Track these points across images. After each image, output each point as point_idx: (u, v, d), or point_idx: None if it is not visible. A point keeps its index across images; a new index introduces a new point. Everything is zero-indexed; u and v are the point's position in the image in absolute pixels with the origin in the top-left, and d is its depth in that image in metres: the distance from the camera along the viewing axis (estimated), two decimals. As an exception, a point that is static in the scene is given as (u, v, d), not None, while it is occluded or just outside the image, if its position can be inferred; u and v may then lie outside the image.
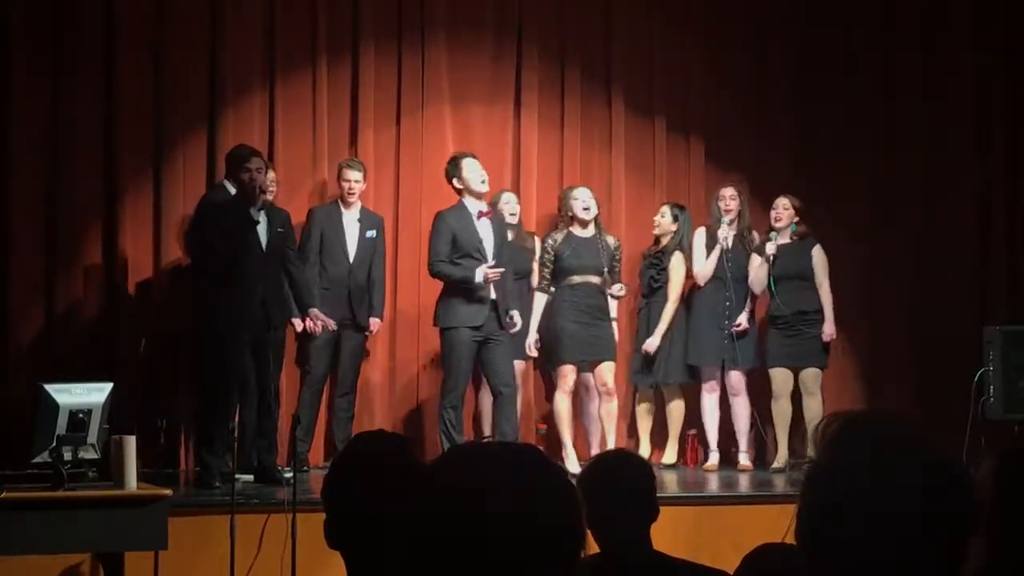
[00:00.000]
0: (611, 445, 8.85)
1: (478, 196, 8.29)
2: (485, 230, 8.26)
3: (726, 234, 9.14)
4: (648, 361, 9.20)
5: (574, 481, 2.06)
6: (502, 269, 8.13)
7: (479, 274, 8.07)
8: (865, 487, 1.68)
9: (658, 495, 3.79)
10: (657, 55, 10.02)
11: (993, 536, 2.11)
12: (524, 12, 9.77)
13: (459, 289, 8.16)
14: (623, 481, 3.69)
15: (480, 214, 8.27)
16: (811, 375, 9.07)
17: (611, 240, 8.84)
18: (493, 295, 8.19)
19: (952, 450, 1.76)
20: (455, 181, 8.30)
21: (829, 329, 9.07)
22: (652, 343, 9.13)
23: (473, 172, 8.26)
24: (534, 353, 8.87)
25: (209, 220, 7.99)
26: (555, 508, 1.71)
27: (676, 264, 9.19)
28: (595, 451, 8.61)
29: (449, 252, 8.16)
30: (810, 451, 2.04)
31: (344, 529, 2.66)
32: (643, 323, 9.27)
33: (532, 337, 8.74)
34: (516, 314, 8.47)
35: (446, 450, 1.91)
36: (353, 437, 3.04)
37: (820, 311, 9.07)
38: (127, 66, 8.98)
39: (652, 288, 9.24)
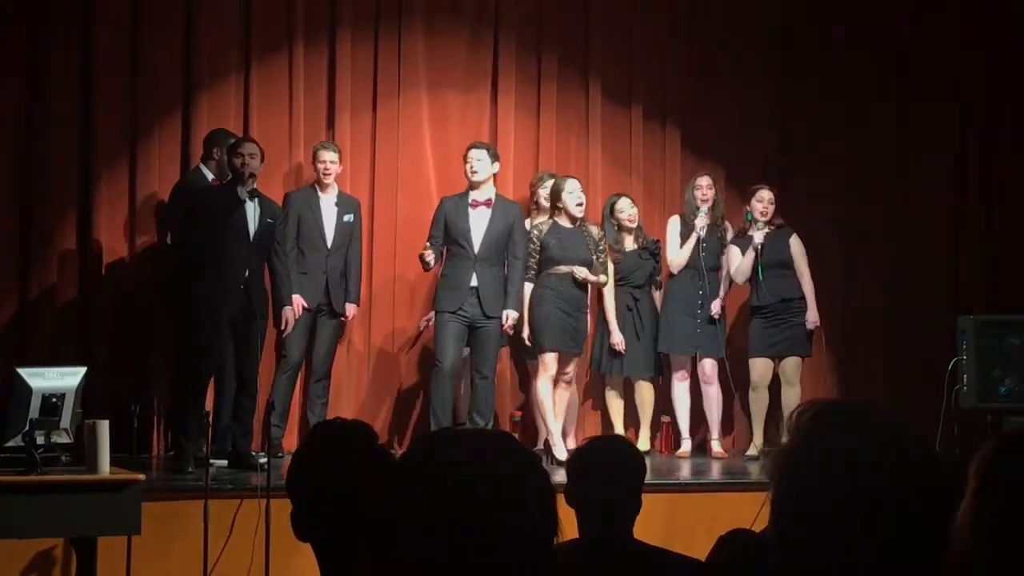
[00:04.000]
0: (572, 432, 9.03)
1: (474, 186, 8.46)
2: (478, 219, 8.37)
3: (703, 224, 9.15)
4: (617, 353, 9.18)
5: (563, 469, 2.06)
6: (429, 252, 8.29)
7: (427, 255, 8.35)
8: (837, 474, 1.69)
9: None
10: (635, 43, 10.03)
11: (987, 522, 2.12)
12: (501, -1, 9.77)
13: (443, 275, 8.52)
14: (612, 468, 3.70)
15: (476, 203, 8.36)
16: (792, 364, 9.10)
17: (595, 230, 8.85)
18: (475, 282, 8.30)
19: (925, 438, 1.77)
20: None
21: (813, 316, 9.11)
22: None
23: (467, 162, 8.48)
24: (529, 343, 8.84)
25: (191, 201, 8.04)
26: (528, 495, 1.71)
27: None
28: (563, 436, 8.66)
29: (442, 237, 8.42)
30: (783, 438, 2.06)
31: (311, 520, 2.65)
32: (638, 315, 9.23)
33: (525, 329, 8.73)
34: (509, 314, 8.48)
35: (418, 437, 1.91)
36: (313, 427, 3.04)
37: (802, 298, 9.10)
38: (102, 50, 8.93)
39: (652, 280, 9.29)
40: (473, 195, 8.48)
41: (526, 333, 8.70)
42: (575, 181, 8.81)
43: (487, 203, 8.47)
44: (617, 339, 9.08)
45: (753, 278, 9.11)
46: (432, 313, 8.75)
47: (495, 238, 8.42)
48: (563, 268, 8.62)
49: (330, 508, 2.59)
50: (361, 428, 2.76)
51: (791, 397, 9.04)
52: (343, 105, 9.40)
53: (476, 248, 8.40)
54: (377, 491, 1.71)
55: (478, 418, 8.36)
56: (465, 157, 8.53)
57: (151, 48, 9.01)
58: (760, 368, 9.18)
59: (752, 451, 9.17)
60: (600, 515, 3.62)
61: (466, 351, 8.64)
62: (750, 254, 9.07)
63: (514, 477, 1.71)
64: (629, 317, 9.20)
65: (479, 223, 8.44)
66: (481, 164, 8.46)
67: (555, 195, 8.74)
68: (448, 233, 8.44)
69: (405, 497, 1.69)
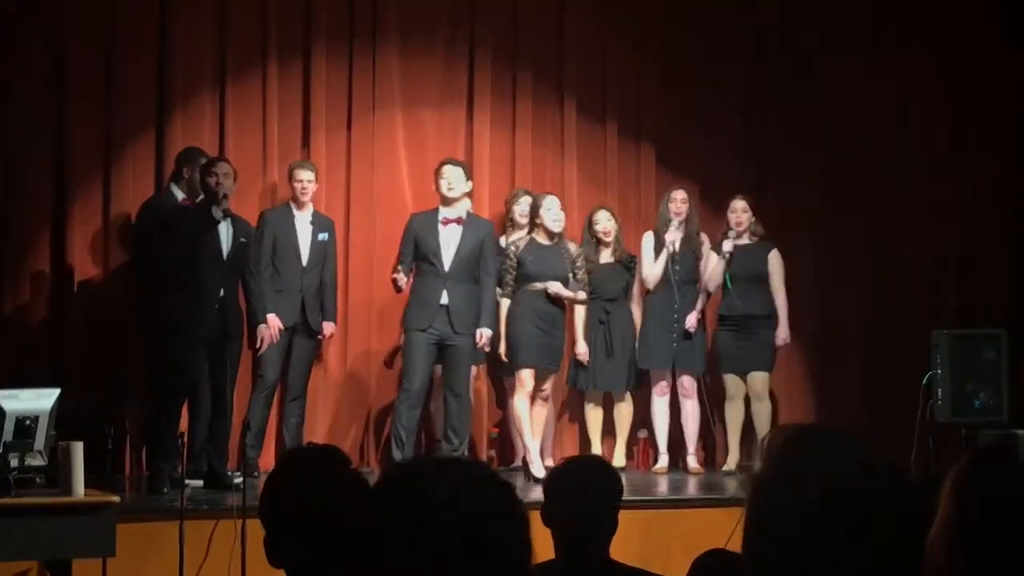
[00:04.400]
0: (548, 448, 9.02)
1: (447, 203, 8.44)
2: (449, 237, 8.37)
3: (673, 237, 9.17)
4: (615, 367, 9.17)
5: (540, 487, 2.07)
6: (400, 276, 8.29)
7: (398, 278, 8.35)
8: (808, 499, 1.70)
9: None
10: (609, 59, 10.05)
11: (962, 538, 2.12)
12: (476, 16, 9.77)
13: (414, 292, 8.46)
14: (588, 488, 3.70)
15: (447, 220, 8.36)
16: (759, 379, 9.12)
17: (573, 247, 8.86)
18: (446, 300, 8.29)
19: (894, 461, 1.78)
20: (435, 185, 8.56)
21: (783, 334, 9.12)
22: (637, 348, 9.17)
23: (443, 179, 8.47)
24: (506, 359, 8.83)
25: (161, 221, 8.04)
26: (501, 523, 1.71)
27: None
28: (538, 453, 8.66)
29: (412, 255, 8.42)
30: (757, 462, 2.06)
31: (284, 546, 2.64)
32: (611, 328, 9.22)
33: (503, 346, 8.73)
34: (483, 332, 8.46)
35: (393, 465, 1.91)
36: (285, 453, 3.04)
37: (770, 316, 9.12)
38: (76, 67, 8.91)
39: (626, 294, 9.28)
40: (445, 212, 8.47)
41: (503, 350, 8.71)
42: (553, 198, 8.84)
43: (459, 221, 8.46)
44: (581, 350, 9.09)
45: (723, 287, 9.14)
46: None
47: (466, 256, 8.42)
48: (539, 285, 8.64)
49: (303, 534, 2.58)
50: (333, 453, 2.75)
51: (761, 413, 9.06)
52: (318, 123, 9.40)
53: (446, 265, 8.39)
54: (350, 521, 1.71)
55: (453, 436, 8.33)
56: (439, 173, 8.51)
57: (125, 66, 8.99)
58: (733, 381, 9.21)
59: (728, 466, 9.17)
60: (576, 535, 3.62)
61: (437, 368, 8.62)
62: (720, 263, 9.10)
63: (486, 506, 1.71)
64: (600, 331, 9.20)
65: (450, 240, 8.42)
66: (458, 181, 8.47)
67: (533, 211, 8.78)
68: (418, 250, 8.42)
69: (377, 529, 1.69)
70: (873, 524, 1.70)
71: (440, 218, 8.46)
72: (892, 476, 1.75)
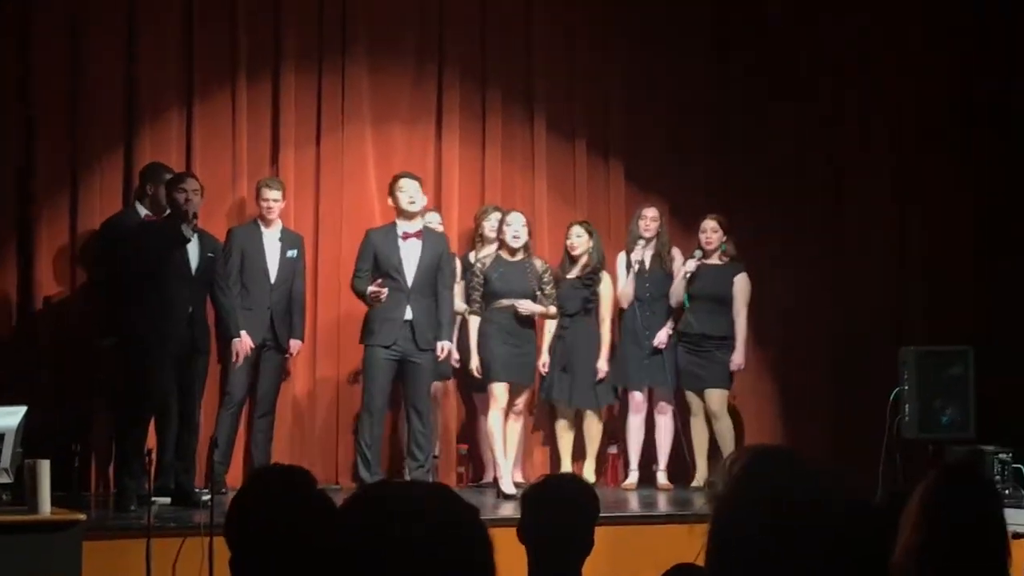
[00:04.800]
0: (518, 464, 9.01)
1: (407, 217, 8.36)
2: (409, 251, 8.34)
3: (640, 256, 9.21)
4: (576, 385, 9.17)
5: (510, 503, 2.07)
6: (385, 291, 8.22)
7: (370, 290, 8.26)
8: (770, 520, 1.71)
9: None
10: (578, 77, 10.07)
11: (931, 554, 2.13)
12: (445, 33, 9.78)
13: (376, 308, 8.35)
14: (566, 506, 3.70)
15: (406, 235, 8.34)
16: (716, 397, 9.15)
17: (539, 263, 8.86)
18: (409, 315, 8.26)
19: (859, 481, 1.79)
20: (390, 200, 8.50)
21: (738, 359, 9.16)
22: (603, 367, 9.14)
23: (403, 192, 8.40)
24: (479, 375, 8.83)
25: (125, 238, 8.00)
26: (465, 547, 1.71)
27: (607, 284, 9.23)
28: (510, 469, 8.67)
29: (370, 270, 8.34)
30: (719, 482, 2.06)
31: (249, 566, 2.63)
32: (567, 344, 9.21)
33: (475, 360, 8.72)
34: (444, 345, 8.46)
35: (358, 489, 1.91)
36: (252, 473, 3.03)
37: (727, 337, 9.15)
38: (43, 84, 8.87)
39: (586, 309, 9.24)
40: (404, 227, 8.44)
41: (474, 365, 8.71)
42: (517, 215, 8.86)
43: (417, 235, 8.45)
44: (543, 360, 9.10)
45: (682, 305, 9.18)
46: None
47: (426, 270, 8.40)
48: (505, 302, 8.65)
49: (269, 554, 2.57)
50: (300, 474, 2.74)
51: (722, 431, 9.10)
52: (287, 139, 9.38)
53: (409, 280, 8.37)
54: (316, 542, 1.72)
55: (418, 453, 8.29)
56: (397, 187, 8.44)
57: (93, 82, 8.95)
58: (693, 399, 9.25)
59: (696, 482, 9.19)
60: (551, 553, 3.62)
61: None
62: (682, 281, 9.13)
63: (448, 529, 1.71)
64: (558, 345, 9.21)
65: (410, 255, 8.40)
66: (417, 194, 8.45)
67: (500, 228, 8.81)
68: (378, 266, 8.37)
69: (340, 552, 1.69)
70: (833, 543, 1.71)
71: (400, 233, 8.42)
72: (851, 496, 1.76)
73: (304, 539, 1.67)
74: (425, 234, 8.50)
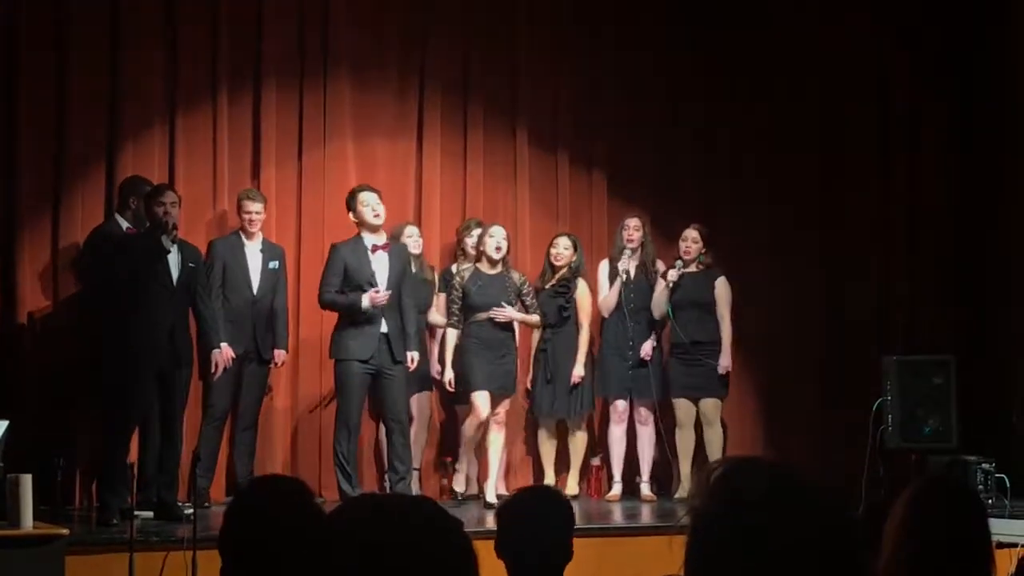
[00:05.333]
0: (500, 474, 8.97)
1: (372, 230, 8.34)
2: (380, 264, 8.34)
3: (626, 266, 9.23)
4: (557, 393, 9.19)
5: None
6: (388, 292, 8.22)
7: (365, 299, 8.23)
8: (746, 532, 1.71)
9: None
10: (560, 89, 10.09)
11: (918, 564, 2.13)
12: (427, 47, 9.79)
13: (350, 321, 8.35)
14: (540, 518, 3.70)
15: (375, 248, 8.34)
16: (710, 405, 9.19)
17: (516, 276, 8.91)
18: (385, 328, 8.27)
19: (835, 491, 1.79)
20: (351, 214, 8.44)
21: (725, 362, 9.18)
22: (579, 372, 9.14)
23: (366, 206, 8.36)
24: (451, 388, 8.87)
25: (108, 250, 7.98)
26: (450, 561, 1.72)
27: (583, 292, 9.23)
28: (495, 479, 8.68)
29: (340, 284, 8.33)
30: (695, 494, 2.06)
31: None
32: (550, 355, 9.23)
33: (448, 374, 8.75)
34: (414, 355, 8.45)
35: (343, 503, 1.91)
36: (247, 483, 3.02)
37: (717, 342, 9.17)
38: (25, 96, 8.85)
39: (563, 317, 9.24)
40: (372, 239, 8.42)
41: (448, 378, 8.73)
42: (498, 228, 8.90)
43: (385, 247, 8.44)
44: (530, 376, 9.17)
45: (666, 315, 9.19)
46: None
47: (395, 282, 8.40)
48: (482, 315, 8.69)
49: (262, 565, 2.57)
50: (298, 484, 2.74)
51: (712, 438, 9.12)
52: (268, 153, 9.38)
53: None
54: (303, 552, 1.72)
55: (399, 465, 8.27)
56: (359, 200, 8.40)
57: (75, 97, 8.94)
58: (684, 408, 9.27)
59: (680, 493, 9.20)
60: (528, 566, 3.62)
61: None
62: (664, 291, 9.16)
63: (434, 543, 1.72)
64: (541, 357, 9.23)
65: (381, 268, 8.38)
66: (380, 207, 8.44)
67: (479, 241, 8.83)
68: (349, 279, 8.33)
69: (327, 565, 1.69)
70: (813, 554, 1.71)
71: (368, 246, 8.41)
72: (831, 506, 1.76)
73: (298, 551, 1.68)
74: (392, 247, 8.49)
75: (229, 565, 2.65)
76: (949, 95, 10.55)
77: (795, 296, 10.22)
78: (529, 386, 9.24)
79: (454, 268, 9.17)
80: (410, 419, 8.72)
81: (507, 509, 3.82)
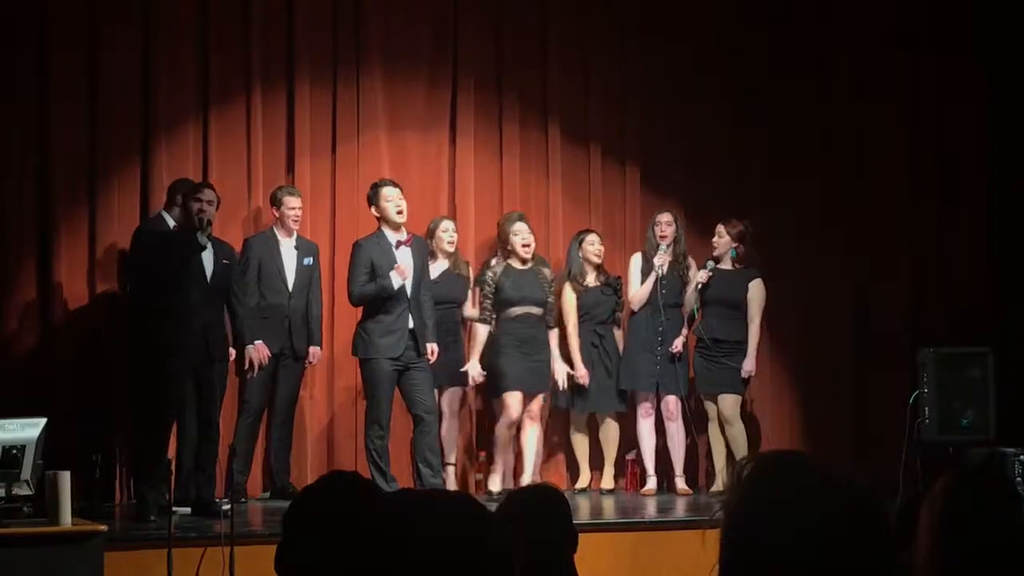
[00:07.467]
0: (535, 469, 8.93)
1: (394, 226, 8.33)
2: (404, 259, 8.32)
3: (661, 261, 9.20)
4: (582, 389, 9.19)
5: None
6: (409, 263, 8.22)
7: (395, 278, 8.19)
8: (780, 527, 1.70)
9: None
10: (592, 82, 10.06)
11: (949, 553, 2.12)
12: (460, 40, 9.78)
13: (377, 319, 8.31)
14: (532, 520, 3.67)
15: (399, 243, 8.33)
16: (728, 402, 9.12)
17: (547, 271, 8.91)
18: (411, 324, 8.25)
19: (867, 487, 1.78)
20: (373, 209, 8.42)
21: (749, 366, 9.12)
22: (580, 372, 9.14)
23: (389, 201, 8.34)
24: (479, 381, 8.87)
25: (152, 246, 8.03)
26: (482, 558, 1.72)
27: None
28: (531, 475, 8.69)
29: (367, 281, 8.29)
30: (727, 490, 2.06)
31: (296, 555, 2.69)
32: (602, 353, 9.26)
33: (476, 368, 8.75)
34: (433, 347, 8.43)
35: (382, 500, 1.92)
36: (328, 473, 3.05)
37: (740, 343, 9.12)
38: (61, 96, 8.90)
39: (614, 315, 9.31)
40: (396, 236, 8.39)
41: (475, 372, 8.73)
42: (523, 224, 8.89)
43: (408, 242, 8.42)
44: (581, 372, 9.11)
45: (694, 311, 9.18)
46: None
47: (417, 276, 8.38)
48: (516, 310, 8.69)
49: (320, 549, 2.62)
50: (370, 485, 2.82)
51: (735, 436, 9.07)
52: (302, 148, 9.40)
53: (409, 290, 8.33)
54: (356, 551, 1.73)
55: (432, 458, 8.24)
56: (383, 196, 8.38)
57: (109, 94, 8.99)
58: (708, 404, 9.24)
59: (716, 487, 9.18)
60: (530, 565, 3.58)
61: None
62: (694, 291, 9.17)
63: (471, 541, 1.72)
64: (595, 353, 9.23)
65: (406, 264, 8.33)
66: (403, 202, 8.42)
67: (504, 237, 8.82)
68: (374, 276, 8.28)
69: (367, 561, 1.70)
70: (842, 552, 1.70)
71: (393, 242, 8.39)
72: (860, 500, 1.75)
73: (353, 546, 1.70)
74: (414, 241, 8.48)
75: (288, 541, 2.71)
76: (979, 95, 10.46)
77: (830, 287, 10.14)
78: (586, 382, 9.18)
79: (493, 262, 9.12)
80: (441, 414, 8.73)
81: (501, 511, 3.77)
